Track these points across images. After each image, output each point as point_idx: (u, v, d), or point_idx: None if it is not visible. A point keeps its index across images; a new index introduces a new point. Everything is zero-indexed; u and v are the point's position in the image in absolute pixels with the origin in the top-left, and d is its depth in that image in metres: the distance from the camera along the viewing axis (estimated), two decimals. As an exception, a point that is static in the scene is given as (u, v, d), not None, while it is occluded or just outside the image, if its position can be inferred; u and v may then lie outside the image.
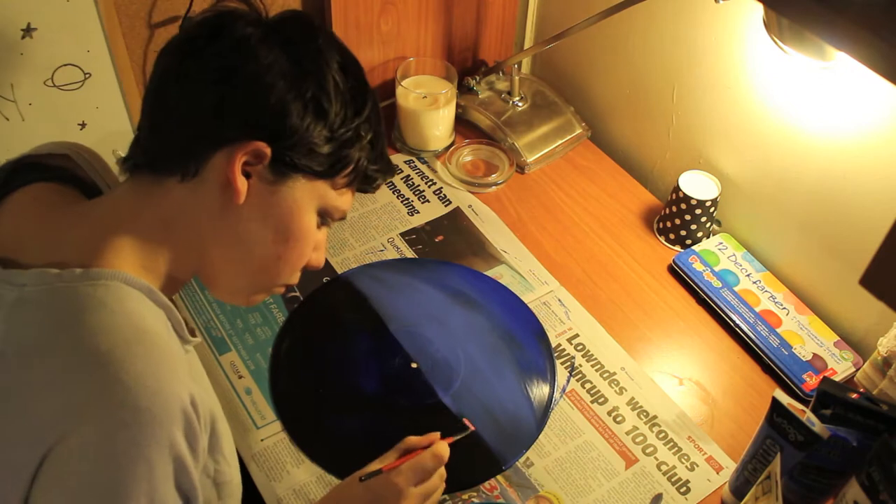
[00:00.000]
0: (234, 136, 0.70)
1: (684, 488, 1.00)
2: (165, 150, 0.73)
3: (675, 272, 1.25)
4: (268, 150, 0.71)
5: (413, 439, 0.90)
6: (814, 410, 0.90)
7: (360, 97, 0.76)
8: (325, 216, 0.80)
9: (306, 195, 0.76)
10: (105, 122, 1.18)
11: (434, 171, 1.39)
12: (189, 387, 0.67)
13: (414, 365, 1.10)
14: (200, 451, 0.69)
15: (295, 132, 0.72)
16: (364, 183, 0.81)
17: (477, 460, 1.01)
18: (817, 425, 0.86)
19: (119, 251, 0.71)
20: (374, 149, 0.79)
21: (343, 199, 0.80)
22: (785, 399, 0.89)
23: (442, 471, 0.89)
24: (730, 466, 1.03)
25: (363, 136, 0.77)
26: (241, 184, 0.72)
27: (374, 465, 0.87)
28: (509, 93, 1.46)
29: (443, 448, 0.88)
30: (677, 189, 1.25)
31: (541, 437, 1.04)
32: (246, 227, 0.75)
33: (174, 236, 0.74)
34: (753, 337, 1.15)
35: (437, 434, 0.90)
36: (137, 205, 0.73)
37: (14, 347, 0.66)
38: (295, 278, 0.82)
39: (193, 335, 0.77)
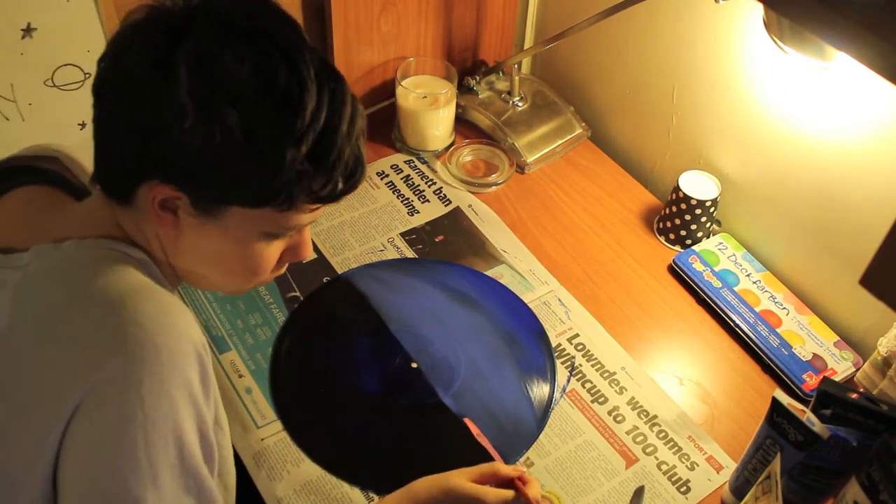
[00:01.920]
0: (149, 175, 0.68)
1: (684, 488, 1.00)
2: (103, 179, 0.73)
3: (675, 272, 1.25)
4: (179, 195, 0.68)
5: (504, 469, 0.88)
6: (814, 410, 0.90)
7: (286, 117, 0.66)
8: (278, 234, 0.74)
9: (244, 223, 0.71)
10: (105, 122, 1.18)
11: (434, 171, 1.39)
12: (199, 332, 0.69)
13: (414, 365, 1.10)
14: (212, 402, 0.71)
15: (208, 171, 0.66)
16: (318, 202, 0.72)
17: (477, 460, 1.00)
18: (817, 425, 0.86)
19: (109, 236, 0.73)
20: (320, 170, 0.69)
21: (298, 217, 0.72)
22: (785, 399, 0.89)
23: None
24: (730, 466, 1.03)
25: (296, 163, 0.67)
26: (168, 219, 0.70)
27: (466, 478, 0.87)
28: (509, 93, 1.46)
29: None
30: (677, 189, 1.25)
31: (541, 436, 1.04)
32: (197, 247, 0.73)
33: (144, 245, 0.74)
34: (753, 337, 1.15)
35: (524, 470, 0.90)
36: (110, 214, 0.74)
37: (25, 323, 0.68)
38: (270, 278, 0.79)
39: None
